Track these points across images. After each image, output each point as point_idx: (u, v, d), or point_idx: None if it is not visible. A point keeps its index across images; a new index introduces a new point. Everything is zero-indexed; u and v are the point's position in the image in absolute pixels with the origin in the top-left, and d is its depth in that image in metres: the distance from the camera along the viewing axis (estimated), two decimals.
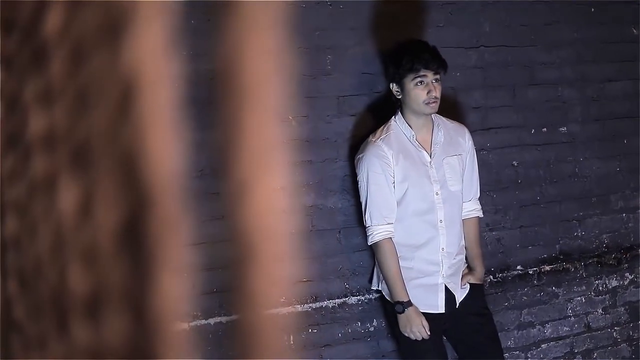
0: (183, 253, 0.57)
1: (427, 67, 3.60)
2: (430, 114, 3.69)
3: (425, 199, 3.70)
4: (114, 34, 0.60)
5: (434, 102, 3.62)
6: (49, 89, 0.80)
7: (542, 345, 4.50)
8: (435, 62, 3.63)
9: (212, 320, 3.65)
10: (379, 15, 4.05)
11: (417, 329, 3.63)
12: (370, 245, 3.72)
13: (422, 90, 3.61)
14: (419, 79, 3.61)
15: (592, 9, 4.63)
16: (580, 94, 4.61)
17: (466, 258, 3.87)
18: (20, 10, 0.96)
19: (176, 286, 0.56)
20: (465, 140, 3.83)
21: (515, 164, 4.44)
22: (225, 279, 0.57)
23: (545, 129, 4.52)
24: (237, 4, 0.51)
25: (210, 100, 0.52)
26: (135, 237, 0.59)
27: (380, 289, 3.85)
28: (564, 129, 4.57)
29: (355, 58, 3.98)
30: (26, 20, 0.92)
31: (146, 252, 0.58)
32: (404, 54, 3.66)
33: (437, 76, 3.63)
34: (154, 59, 0.56)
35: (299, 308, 3.88)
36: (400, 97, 3.69)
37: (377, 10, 4.05)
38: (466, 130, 3.87)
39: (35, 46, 0.87)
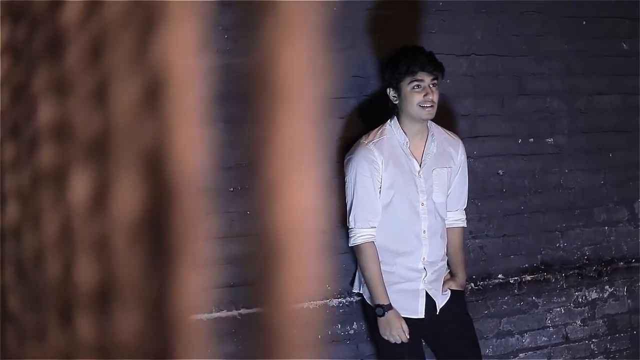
0: (206, 247, 0.57)
1: (423, 70, 3.59)
2: (427, 120, 3.68)
3: (411, 208, 3.69)
4: (143, 29, 0.59)
5: (430, 106, 3.60)
6: (64, 80, 0.80)
7: (520, 355, 4.52)
8: (432, 65, 3.62)
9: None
10: (372, 19, 4.06)
11: (396, 333, 3.63)
12: (352, 247, 3.72)
13: (419, 93, 3.60)
14: (415, 83, 3.60)
15: (584, 22, 4.65)
16: (568, 106, 4.64)
17: (448, 264, 3.87)
18: (31, 0, 0.96)
19: (196, 279, 0.56)
20: (458, 154, 3.83)
21: (501, 173, 4.46)
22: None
23: (532, 140, 4.54)
24: (273, 3, 0.51)
25: (243, 98, 0.52)
26: (156, 230, 0.59)
27: (361, 292, 3.85)
28: (550, 140, 4.59)
29: (347, 60, 3.98)
30: (39, 11, 0.91)
31: (166, 245, 0.58)
32: (401, 58, 3.65)
33: (435, 80, 3.63)
34: (184, 55, 0.56)
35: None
36: (397, 102, 3.67)
37: (371, 13, 4.05)
38: (460, 143, 3.86)
39: (49, 36, 0.86)
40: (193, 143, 0.56)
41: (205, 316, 3.71)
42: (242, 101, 0.52)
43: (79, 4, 0.76)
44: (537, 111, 4.55)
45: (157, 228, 0.59)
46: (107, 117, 0.69)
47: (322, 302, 3.97)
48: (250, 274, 0.56)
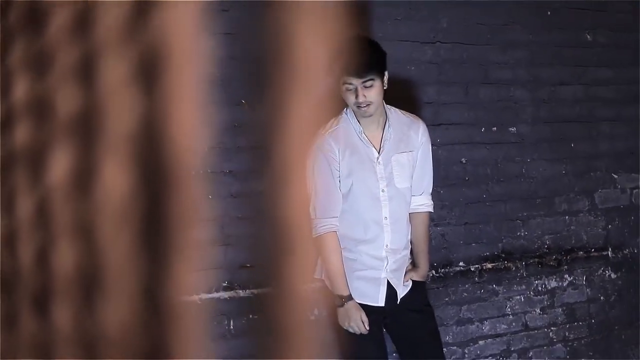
0: (201, 231, 0.54)
1: (351, 75, 3.51)
2: (365, 117, 3.60)
3: (371, 196, 3.65)
4: (138, 2, 0.56)
5: (364, 106, 3.54)
6: (43, 54, 0.76)
7: (480, 342, 4.54)
8: (363, 68, 3.51)
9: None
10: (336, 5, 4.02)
11: (355, 324, 3.61)
12: (314, 237, 3.66)
13: (352, 94, 3.54)
14: (346, 85, 3.54)
15: (549, 13, 4.67)
16: (531, 95, 4.65)
17: (411, 253, 3.84)
18: None
19: (195, 261, 0.53)
20: (418, 136, 3.75)
21: (464, 161, 4.46)
22: None
23: (495, 128, 4.55)
24: None
25: (252, 80, 0.50)
26: (150, 214, 0.56)
27: (323, 278, 3.82)
28: (513, 129, 4.61)
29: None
30: None
31: (161, 228, 0.55)
32: (339, 57, 3.51)
33: (366, 81, 3.52)
34: (184, 33, 0.53)
35: (240, 293, 3.85)
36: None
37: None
38: (421, 124, 3.77)
39: (27, 8, 0.82)
40: (192, 125, 0.53)
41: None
42: (252, 83, 0.50)
43: None
44: (501, 100, 4.56)
45: (151, 211, 0.56)
46: (92, 95, 0.66)
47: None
48: (260, 255, 0.53)
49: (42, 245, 0.81)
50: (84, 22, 0.68)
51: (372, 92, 3.51)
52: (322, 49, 0.49)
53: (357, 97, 3.49)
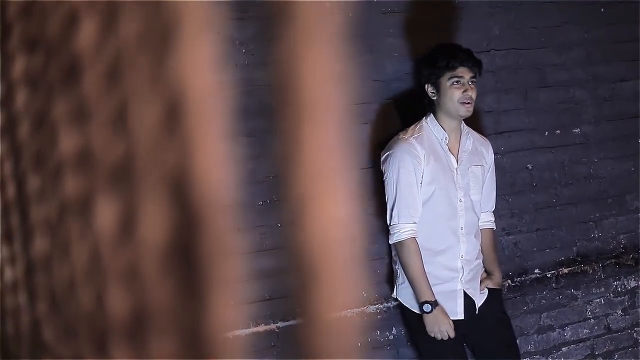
0: (238, 263, 0.55)
1: (463, 65, 3.58)
2: (465, 117, 3.67)
3: (450, 205, 3.67)
4: (159, 49, 0.58)
5: (469, 102, 3.60)
6: (83, 106, 0.79)
7: (563, 349, 4.47)
8: (471, 61, 3.62)
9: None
10: (389, 22, 4.03)
11: (445, 328, 3.58)
12: (394, 244, 3.65)
13: (458, 89, 3.59)
14: (455, 78, 3.59)
15: (602, 9, 4.61)
16: (591, 94, 4.59)
17: (483, 263, 3.84)
18: (46, 26, 0.94)
19: (230, 295, 0.55)
20: (488, 153, 3.84)
21: (530, 167, 4.42)
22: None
23: (558, 131, 4.50)
24: (292, 13, 0.49)
25: (266, 110, 0.51)
26: (186, 252, 0.58)
27: (397, 297, 3.82)
28: (577, 130, 4.55)
29: (365, 66, 3.96)
30: (54, 38, 0.90)
31: (198, 265, 0.56)
32: (439, 54, 3.64)
33: (473, 77, 3.61)
34: (202, 71, 0.54)
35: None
36: (435, 97, 3.65)
37: (387, 17, 4.03)
38: (489, 144, 3.89)
39: (64, 62, 0.85)
40: (217, 159, 0.55)
41: (242, 332, 3.74)
42: (265, 114, 0.51)
43: (93, 28, 0.74)
44: (561, 102, 4.51)
45: (187, 249, 0.58)
46: (128, 141, 0.68)
47: (360, 309, 3.94)
48: (286, 286, 0.54)
49: (97, 291, 0.84)
50: (116, 71, 0.71)
51: (475, 91, 3.60)
52: (326, 72, 0.50)
53: (465, 90, 3.55)
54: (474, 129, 3.89)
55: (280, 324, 3.69)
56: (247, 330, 3.63)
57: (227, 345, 0.54)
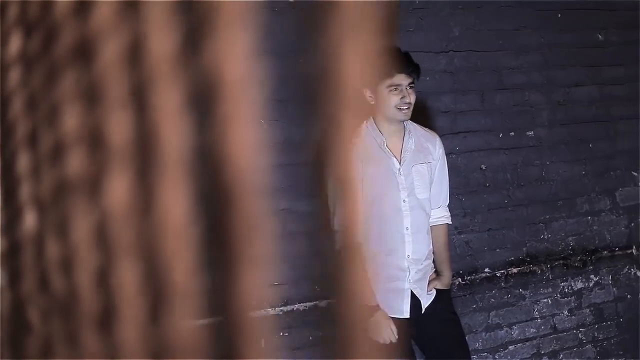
0: (270, 245, 0.57)
1: (401, 72, 3.57)
2: (403, 121, 3.67)
3: (393, 206, 3.67)
4: (190, 31, 0.59)
5: (406, 108, 3.59)
6: (94, 86, 0.80)
7: (510, 347, 4.55)
8: (410, 66, 3.61)
9: None
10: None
11: (385, 334, 3.62)
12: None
13: (396, 95, 3.59)
14: (393, 86, 3.59)
15: (559, 15, 4.70)
16: (547, 98, 4.68)
17: (434, 262, 3.85)
18: (48, 9, 0.95)
19: (261, 276, 0.57)
20: (435, 148, 3.80)
21: (484, 168, 4.48)
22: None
23: (512, 133, 4.57)
24: (333, 5, 0.51)
25: (304, 100, 0.53)
26: (212, 232, 0.59)
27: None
28: (531, 133, 4.63)
29: None
30: (59, 18, 0.91)
31: (225, 245, 0.58)
32: (381, 60, 3.63)
33: (412, 82, 3.61)
34: (239, 59, 0.56)
35: (270, 312, 3.88)
36: (372, 102, 3.65)
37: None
38: (437, 138, 3.83)
39: (74, 42, 0.86)
40: (250, 143, 0.56)
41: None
42: (302, 102, 0.53)
43: (110, 7, 0.75)
44: (517, 105, 4.59)
45: (214, 230, 0.59)
46: (147, 122, 0.69)
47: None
48: (321, 269, 0.56)
49: (101, 267, 0.85)
50: (135, 52, 0.72)
51: (414, 95, 3.60)
52: (366, 64, 0.52)
53: (403, 97, 3.56)
54: (431, 129, 3.91)
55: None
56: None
57: (254, 324, 0.56)
